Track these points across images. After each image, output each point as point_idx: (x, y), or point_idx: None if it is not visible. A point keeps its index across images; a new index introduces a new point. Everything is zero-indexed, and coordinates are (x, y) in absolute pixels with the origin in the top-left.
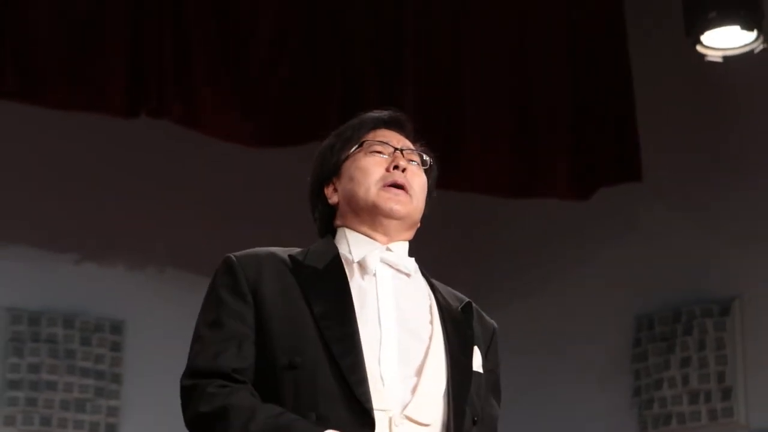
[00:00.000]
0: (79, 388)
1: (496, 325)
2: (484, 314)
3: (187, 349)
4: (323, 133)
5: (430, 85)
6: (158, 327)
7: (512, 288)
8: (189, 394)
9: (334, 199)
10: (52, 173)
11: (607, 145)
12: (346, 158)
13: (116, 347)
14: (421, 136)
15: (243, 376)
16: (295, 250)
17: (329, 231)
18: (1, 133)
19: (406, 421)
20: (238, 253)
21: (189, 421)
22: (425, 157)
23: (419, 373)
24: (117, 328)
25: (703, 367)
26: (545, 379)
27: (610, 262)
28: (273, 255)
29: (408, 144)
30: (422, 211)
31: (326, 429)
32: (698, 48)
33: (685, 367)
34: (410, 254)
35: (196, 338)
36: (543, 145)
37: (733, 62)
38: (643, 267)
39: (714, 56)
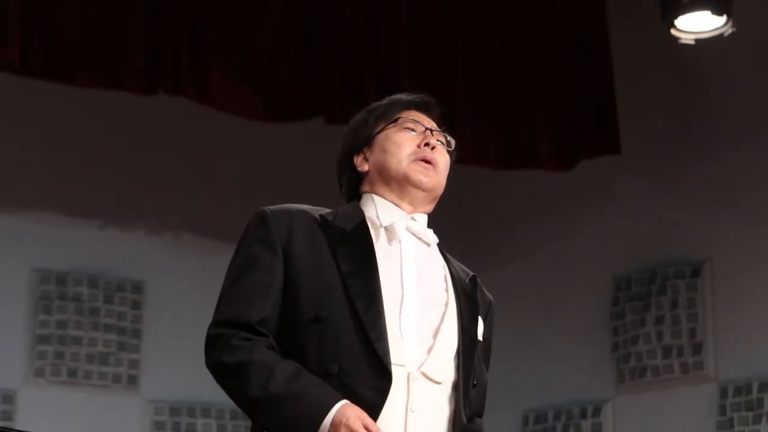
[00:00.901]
0: (103, 343)
1: (492, 298)
2: (484, 288)
3: (201, 308)
4: (328, 109)
5: (424, 67)
6: (175, 287)
7: (499, 253)
8: (213, 343)
9: (364, 167)
10: (79, 146)
11: (588, 120)
12: (380, 132)
13: (137, 305)
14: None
15: (266, 328)
16: (324, 211)
17: (355, 196)
18: (29, 108)
19: (422, 378)
20: (272, 207)
21: (211, 367)
22: (449, 139)
23: (436, 334)
24: (137, 287)
25: (676, 324)
26: (531, 337)
27: (590, 228)
28: (305, 212)
29: (435, 126)
30: (443, 188)
31: (341, 399)
32: (672, 31)
33: (659, 324)
34: None
35: (226, 289)
36: (528, 121)
37: (705, 44)
38: (621, 232)
39: (687, 39)
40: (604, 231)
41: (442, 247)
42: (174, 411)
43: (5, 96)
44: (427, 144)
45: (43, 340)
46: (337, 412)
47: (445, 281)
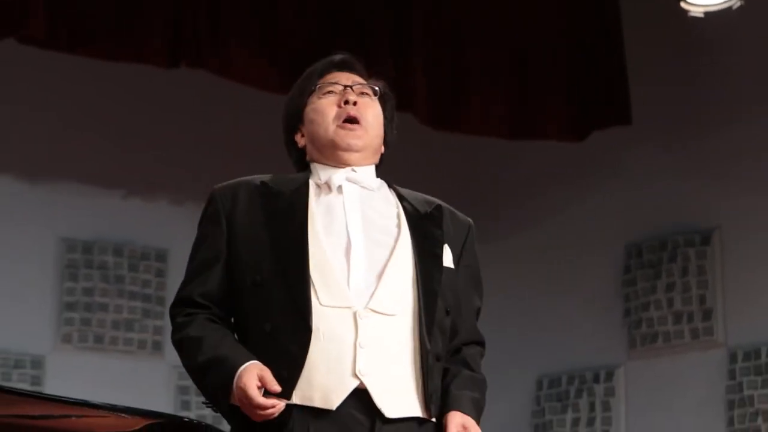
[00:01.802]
0: (128, 310)
1: (471, 221)
2: (458, 213)
3: None
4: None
5: (437, 36)
6: None
7: (512, 222)
8: (171, 323)
9: (302, 142)
10: (104, 117)
11: (600, 92)
12: (305, 105)
13: (160, 273)
14: (378, 73)
15: (207, 299)
16: (268, 176)
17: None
18: (54, 81)
19: (372, 313)
20: (219, 185)
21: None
22: (376, 88)
23: (383, 269)
24: (161, 256)
25: (686, 291)
26: (545, 303)
27: (602, 197)
28: (247, 182)
29: (358, 79)
30: (381, 137)
31: (247, 362)
32: (682, 4)
33: (670, 291)
34: (417, 190)
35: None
36: (541, 92)
37: (714, 17)
38: (632, 201)
39: (696, 12)
40: (616, 200)
41: (397, 187)
42: None
43: (31, 69)
44: (347, 102)
45: (70, 307)
46: (237, 377)
47: (397, 218)
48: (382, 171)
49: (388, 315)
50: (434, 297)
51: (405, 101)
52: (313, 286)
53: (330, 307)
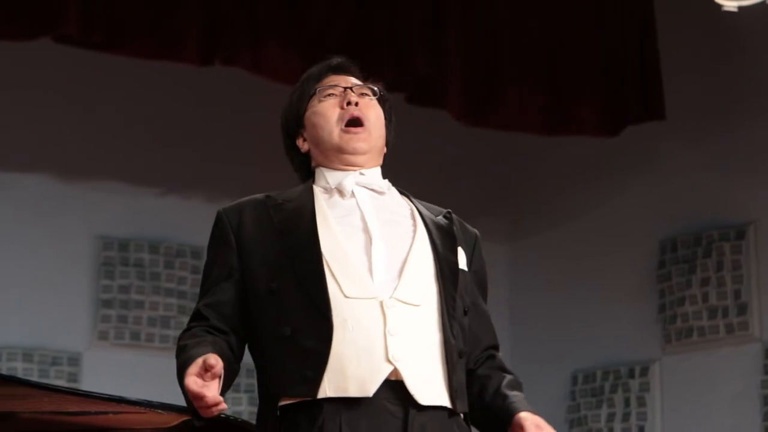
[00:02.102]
0: (164, 307)
1: (478, 233)
2: (465, 224)
3: None
4: (377, 77)
5: (470, 32)
6: None
7: (547, 217)
8: None
9: (305, 147)
10: (140, 116)
11: (634, 86)
12: (305, 109)
13: (196, 270)
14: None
15: (211, 310)
16: (275, 192)
17: (310, 177)
18: (89, 80)
19: (398, 303)
20: (225, 206)
21: None
22: (375, 89)
23: (404, 262)
24: (197, 253)
25: (721, 285)
26: (580, 298)
27: (636, 192)
28: (252, 200)
29: (356, 82)
30: (384, 138)
31: (213, 353)
32: None
33: (704, 286)
34: (452, 186)
35: None
36: (575, 87)
37: (748, 11)
38: (666, 196)
39: (730, 6)
40: (650, 195)
41: (405, 192)
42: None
43: (65, 68)
44: (349, 103)
45: (106, 304)
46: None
47: (412, 218)
48: (411, 169)
49: (413, 305)
50: (455, 294)
51: (438, 97)
52: (335, 279)
53: (355, 298)
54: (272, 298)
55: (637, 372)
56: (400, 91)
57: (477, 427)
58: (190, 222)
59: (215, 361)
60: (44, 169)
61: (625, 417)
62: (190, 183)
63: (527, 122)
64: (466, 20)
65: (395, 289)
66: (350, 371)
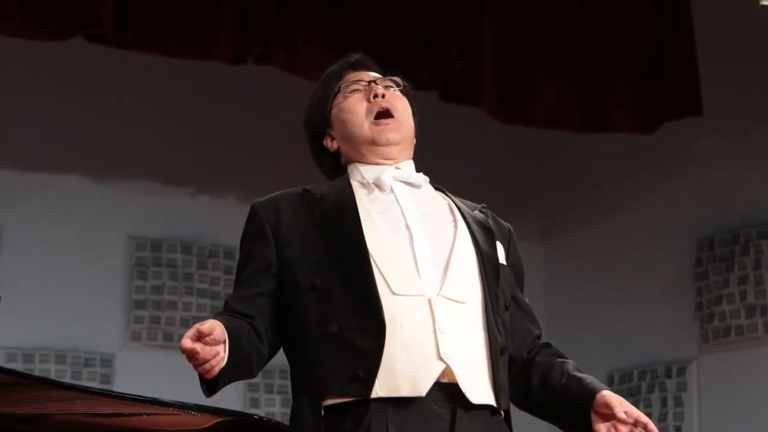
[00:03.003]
0: (197, 307)
1: (510, 226)
2: (498, 218)
3: None
4: (412, 75)
5: (505, 30)
6: None
7: (582, 216)
8: None
9: (334, 146)
10: (172, 116)
11: (671, 82)
12: (331, 108)
13: (229, 271)
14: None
15: (238, 301)
16: (311, 185)
17: (341, 175)
18: (122, 80)
19: (445, 300)
20: (260, 199)
21: None
22: (398, 80)
23: (449, 259)
24: (230, 253)
25: (759, 284)
26: (616, 297)
27: (673, 189)
28: (288, 193)
29: (379, 76)
30: (413, 129)
31: (217, 323)
32: None
33: (742, 284)
34: (483, 185)
35: None
36: (610, 83)
37: None
38: (703, 194)
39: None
40: (687, 192)
41: (440, 187)
42: (267, 373)
43: (98, 67)
44: (375, 95)
45: (139, 305)
46: None
47: (451, 213)
48: (441, 167)
49: (460, 302)
50: (497, 290)
51: (472, 95)
52: (383, 276)
53: (403, 295)
54: (315, 294)
55: (674, 372)
56: (434, 88)
57: (536, 413)
58: (222, 222)
59: (209, 327)
60: (76, 169)
61: (662, 417)
62: (223, 183)
63: (562, 119)
64: (501, 17)
65: (442, 286)
66: (402, 370)
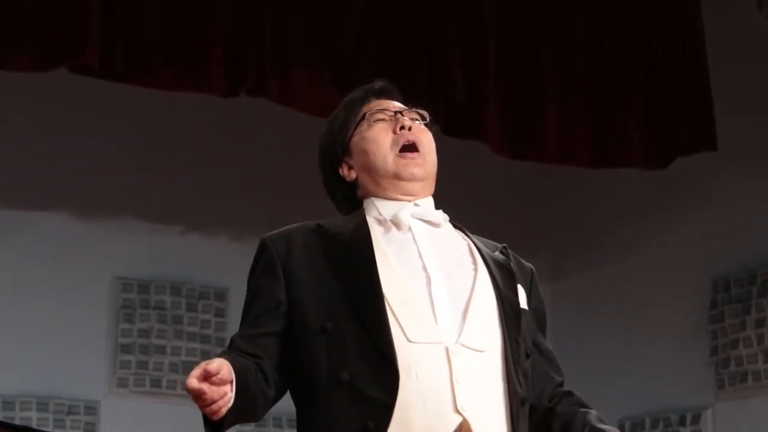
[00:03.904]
0: (186, 352)
1: (533, 267)
2: (520, 258)
3: None
4: (414, 106)
5: (511, 62)
6: None
7: (593, 255)
8: None
9: (352, 175)
10: (159, 151)
11: (683, 115)
12: (352, 135)
13: (220, 313)
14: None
15: (245, 340)
16: (325, 220)
17: (357, 206)
18: (108, 114)
19: (463, 349)
20: (271, 233)
21: None
22: (422, 113)
23: (468, 305)
24: (221, 295)
25: None
26: (626, 341)
27: (687, 228)
28: (301, 227)
29: (404, 107)
30: (436, 165)
31: (224, 362)
32: None
33: (760, 327)
34: (490, 222)
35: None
36: (620, 117)
37: None
38: (719, 232)
39: None
40: (701, 231)
41: (460, 225)
42: (260, 422)
43: (85, 101)
44: (402, 127)
45: (125, 349)
46: None
47: (471, 254)
48: (448, 204)
49: (479, 351)
50: (518, 337)
51: (476, 129)
52: (399, 322)
53: (420, 343)
54: (325, 338)
55: (688, 419)
56: (436, 121)
57: None
58: (214, 262)
59: (216, 366)
60: (59, 207)
61: None
62: (214, 220)
63: (571, 154)
64: (506, 47)
65: (460, 333)
66: (416, 422)
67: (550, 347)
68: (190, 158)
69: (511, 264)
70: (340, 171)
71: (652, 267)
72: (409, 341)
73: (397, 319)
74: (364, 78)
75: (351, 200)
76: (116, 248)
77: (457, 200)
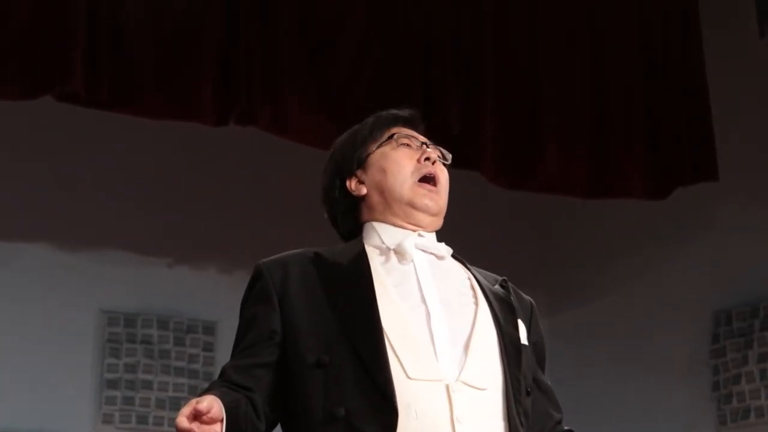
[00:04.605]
0: (174, 387)
1: (533, 301)
2: (520, 292)
3: None
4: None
5: (509, 89)
6: None
7: (590, 288)
8: None
9: (361, 190)
10: (147, 181)
11: (683, 144)
12: (371, 151)
13: (209, 347)
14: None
15: (235, 371)
16: (323, 248)
17: (356, 227)
18: (94, 142)
19: (464, 386)
20: (267, 259)
21: None
22: (445, 152)
23: (469, 341)
24: (209, 328)
25: None
26: (625, 376)
27: (687, 259)
28: (298, 255)
29: (428, 141)
30: (446, 206)
31: (214, 399)
32: None
33: (762, 362)
34: (489, 253)
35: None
36: (619, 146)
37: None
38: (720, 264)
39: None
40: (702, 263)
41: (461, 258)
42: None
43: (70, 129)
44: (427, 158)
45: (111, 384)
46: None
47: (472, 288)
48: (439, 234)
49: (480, 389)
50: (518, 375)
51: (471, 158)
52: (398, 358)
53: (420, 380)
54: (321, 372)
55: None
56: None
57: None
58: (202, 295)
59: (207, 405)
60: (43, 238)
61: None
62: (203, 253)
63: (568, 184)
64: (503, 75)
65: (461, 370)
66: None
67: (550, 384)
68: (179, 189)
69: (512, 298)
70: (348, 184)
71: (652, 300)
72: (409, 378)
73: (396, 355)
74: (357, 106)
75: (349, 216)
76: (102, 281)
77: (448, 234)
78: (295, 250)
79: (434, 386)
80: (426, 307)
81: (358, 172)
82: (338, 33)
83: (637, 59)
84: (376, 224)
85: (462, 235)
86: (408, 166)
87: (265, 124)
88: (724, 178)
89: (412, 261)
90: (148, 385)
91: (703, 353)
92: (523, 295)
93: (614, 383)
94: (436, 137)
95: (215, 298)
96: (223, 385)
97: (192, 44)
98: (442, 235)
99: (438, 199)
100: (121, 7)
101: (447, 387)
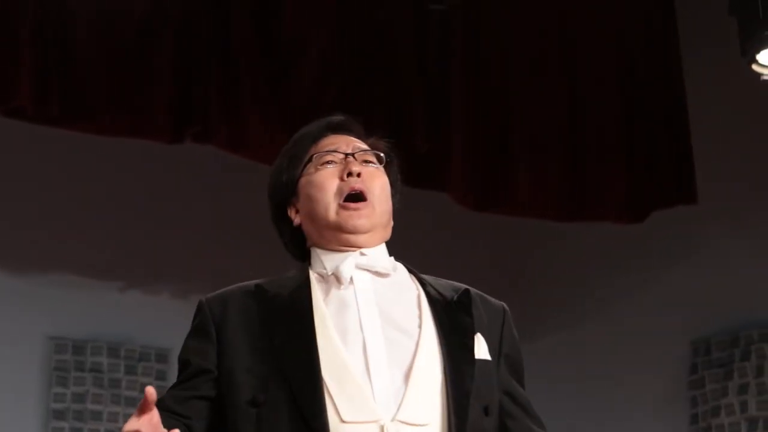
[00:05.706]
0: (125, 418)
1: (504, 305)
2: (489, 298)
3: None
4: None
5: (480, 110)
6: None
7: (565, 314)
8: None
9: (297, 220)
10: (97, 202)
11: (662, 167)
12: (299, 176)
13: (162, 376)
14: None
15: (173, 401)
16: (265, 280)
17: (304, 252)
18: (45, 161)
19: (401, 425)
20: (209, 294)
21: None
22: (381, 154)
23: (409, 373)
24: (163, 356)
25: (762, 393)
26: (600, 406)
27: (665, 286)
28: (239, 290)
29: (359, 145)
30: (390, 212)
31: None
32: (754, 67)
33: (743, 393)
34: (458, 279)
35: None
36: (596, 168)
37: None
38: (699, 291)
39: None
40: (680, 289)
41: (414, 270)
42: None
43: (16, 147)
44: (350, 174)
45: (58, 415)
46: None
47: (419, 307)
48: (406, 258)
49: (419, 426)
50: (467, 398)
51: (438, 178)
52: (332, 399)
53: (353, 423)
54: (255, 411)
55: None
56: None
57: None
58: (155, 321)
59: (150, 394)
60: None
61: None
62: (156, 277)
63: (541, 207)
64: (472, 92)
65: (399, 408)
66: None
67: (527, 396)
68: (131, 210)
69: (472, 309)
70: (288, 212)
71: (628, 328)
72: (342, 421)
73: (332, 398)
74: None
75: (298, 242)
76: (49, 306)
77: (417, 256)
78: (240, 284)
79: (369, 428)
80: (363, 336)
81: (293, 200)
82: (301, 51)
83: (614, 76)
84: (318, 250)
85: (433, 255)
86: (330, 188)
87: (222, 143)
88: (702, 201)
89: (352, 283)
90: (97, 416)
91: (681, 384)
92: (493, 302)
93: (588, 415)
94: (400, 158)
95: (169, 324)
96: (162, 414)
97: (146, 58)
98: (412, 258)
99: (369, 214)
100: (71, 18)
101: (382, 428)
